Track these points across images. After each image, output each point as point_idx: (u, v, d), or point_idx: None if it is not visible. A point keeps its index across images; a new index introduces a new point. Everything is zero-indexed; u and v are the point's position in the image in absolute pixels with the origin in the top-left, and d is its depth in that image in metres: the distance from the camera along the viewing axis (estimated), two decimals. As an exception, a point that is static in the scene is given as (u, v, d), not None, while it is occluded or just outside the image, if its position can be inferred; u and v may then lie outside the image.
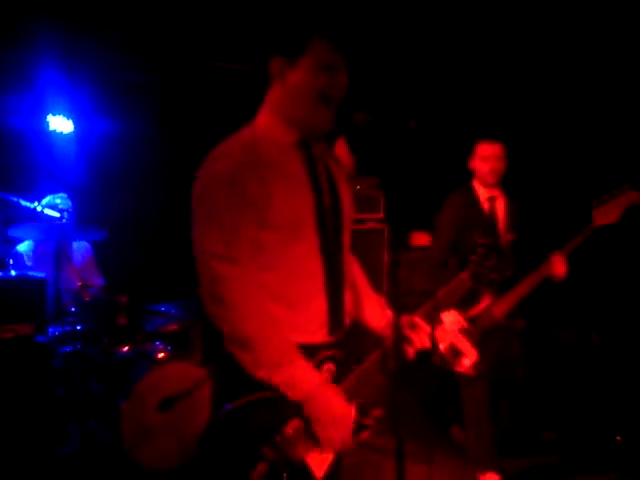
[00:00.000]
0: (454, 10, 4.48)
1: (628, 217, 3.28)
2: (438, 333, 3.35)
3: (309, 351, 1.78)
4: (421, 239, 4.83)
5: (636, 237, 4.20)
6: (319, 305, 1.83)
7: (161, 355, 3.83)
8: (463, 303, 3.34)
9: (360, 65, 1.97)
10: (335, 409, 1.74)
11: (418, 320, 1.92)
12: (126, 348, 3.85)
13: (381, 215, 4.63)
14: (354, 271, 2.08)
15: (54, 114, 4.96)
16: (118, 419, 3.45)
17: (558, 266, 3.28)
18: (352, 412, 1.76)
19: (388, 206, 5.16)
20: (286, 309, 1.79)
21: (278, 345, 1.72)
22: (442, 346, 3.35)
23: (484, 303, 3.42)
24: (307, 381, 1.72)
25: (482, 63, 4.86)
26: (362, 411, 1.80)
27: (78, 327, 3.81)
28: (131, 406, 3.48)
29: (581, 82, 4.55)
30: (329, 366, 1.82)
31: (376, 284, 2.18)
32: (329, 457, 1.77)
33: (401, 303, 1.75)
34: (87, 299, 3.88)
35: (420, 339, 1.91)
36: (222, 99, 5.25)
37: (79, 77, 4.83)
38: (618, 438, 3.90)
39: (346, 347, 1.87)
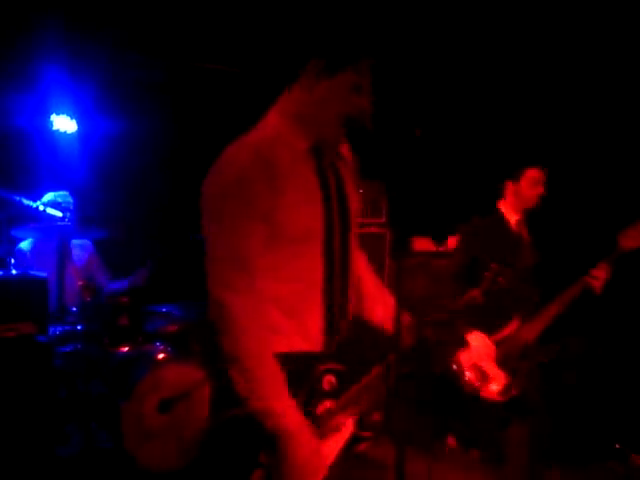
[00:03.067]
0: (458, 18, 4.48)
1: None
2: (463, 357, 3.12)
3: (309, 360, 1.79)
4: (423, 244, 4.83)
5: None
6: (317, 313, 1.83)
7: (161, 356, 3.84)
8: (490, 326, 3.15)
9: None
10: (306, 453, 1.66)
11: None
12: (126, 348, 3.86)
13: (383, 220, 4.62)
14: (361, 268, 2.07)
15: (58, 114, 4.95)
16: (118, 420, 3.46)
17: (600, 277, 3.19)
18: (322, 460, 1.70)
19: (390, 211, 5.16)
20: (288, 317, 1.80)
21: (270, 377, 1.68)
22: (467, 371, 3.09)
23: (511, 327, 3.23)
24: (287, 417, 1.66)
25: (489, 72, 4.85)
26: (361, 424, 1.81)
27: (79, 327, 3.81)
28: (131, 407, 3.48)
29: (603, 95, 4.46)
30: (330, 378, 1.82)
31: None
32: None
33: (403, 307, 1.75)
34: (88, 299, 3.88)
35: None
36: (227, 99, 5.26)
37: (83, 77, 4.84)
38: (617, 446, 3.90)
39: (347, 360, 1.87)
